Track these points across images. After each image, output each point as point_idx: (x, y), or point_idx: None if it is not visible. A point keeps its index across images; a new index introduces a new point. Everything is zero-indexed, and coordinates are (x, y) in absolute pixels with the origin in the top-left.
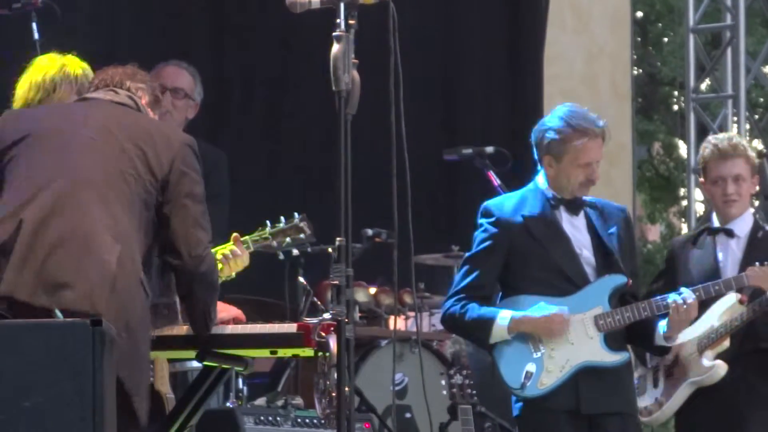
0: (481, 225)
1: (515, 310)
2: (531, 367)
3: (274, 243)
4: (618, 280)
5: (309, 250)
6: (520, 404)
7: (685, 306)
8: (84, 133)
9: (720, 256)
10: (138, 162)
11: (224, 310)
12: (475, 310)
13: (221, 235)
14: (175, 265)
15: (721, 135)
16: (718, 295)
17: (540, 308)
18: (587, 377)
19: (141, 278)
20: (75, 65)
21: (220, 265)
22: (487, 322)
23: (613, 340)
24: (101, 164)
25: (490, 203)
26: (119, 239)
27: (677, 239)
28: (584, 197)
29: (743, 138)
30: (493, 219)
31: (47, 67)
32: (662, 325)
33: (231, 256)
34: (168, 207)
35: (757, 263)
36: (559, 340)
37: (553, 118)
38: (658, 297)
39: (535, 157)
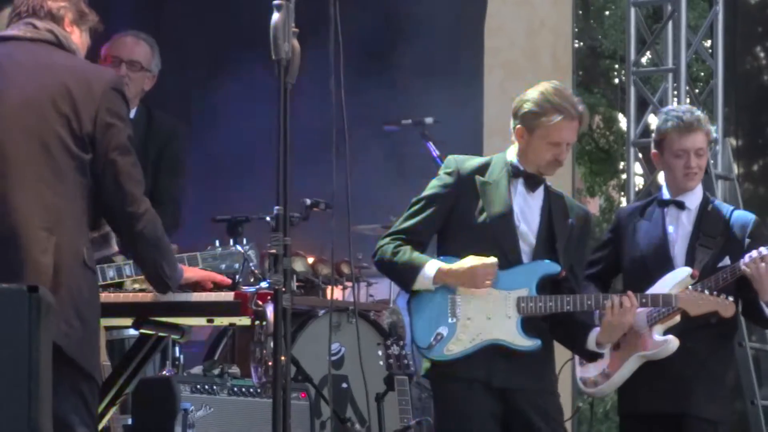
0: (439, 174)
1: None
2: (443, 330)
3: (223, 266)
4: (551, 267)
5: (255, 271)
6: (428, 365)
7: (621, 308)
8: (4, 103)
9: (670, 228)
10: (60, 128)
11: (189, 270)
12: (406, 253)
13: (172, 206)
14: (113, 227)
15: (680, 107)
16: (654, 306)
17: (468, 260)
18: (499, 354)
19: (84, 259)
20: None
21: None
22: (415, 269)
23: (531, 325)
24: (23, 141)
25: (455, 156)
26: (53, 226)
27: (624, 209)
28: (552, 187)
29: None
30: (450, 170)
31: None
32: (594, 331)
33: None
34: (97, 164)
35: (689, 287)
36: (477, 311)
37: (534, 91)
38: (585, 294)
39: (510, 126)
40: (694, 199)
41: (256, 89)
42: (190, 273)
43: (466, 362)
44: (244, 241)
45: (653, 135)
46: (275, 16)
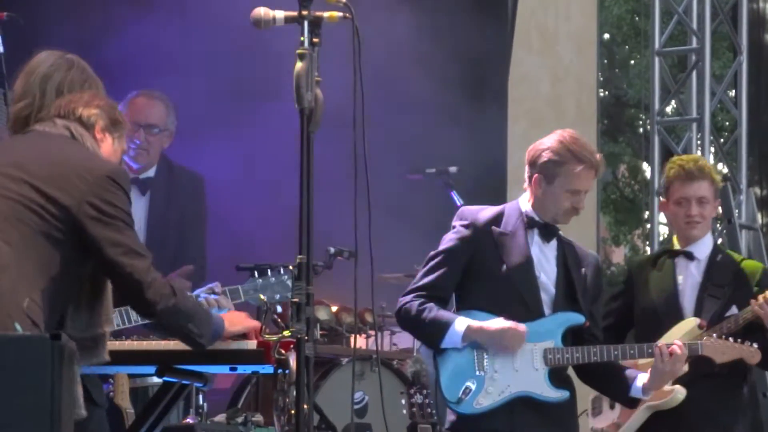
0: (454, 227)
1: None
2: (471, 384)
3: (264, 297)
4: (575, 318)
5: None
6: (453, 418)
7: (670, 357)
8: None
9: (679, 279)
10: (40, 197)
11: (238, 323)
12: (433, 310)
13: (200, 260)
14: (124, 299)
15: (686, 156)
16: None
17: (497, 321)
18: (525, 405)
19: (24, 310)
20: None
21: None
22: (443, 325)
23: (558, 376)
24: None
25: (468, 208)
26: None
27: (636, 260)
28: (562, 235)
29: (707, 160)
30: (466, 222)
31: None
32: (641, 377)
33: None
34: (92, 246)
35: (714, 335)
36: (505, 364)
37: (551, 139)
38: (612, 345)
39: (526, 174)
40: (703, 249)
41: (281, 135)
42: (237, 326)
43: (490, 414)
44: (281, 271)
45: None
46: (298, 65)
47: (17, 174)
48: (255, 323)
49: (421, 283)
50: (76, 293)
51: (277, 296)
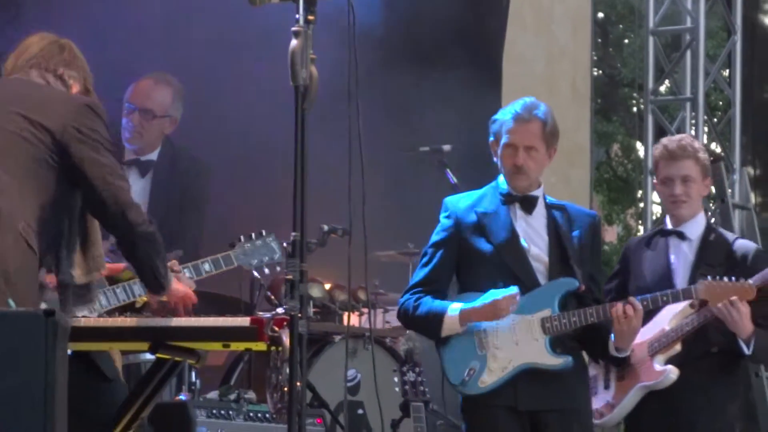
0: (440, 220)
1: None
2: (474, 365)
3: (254, 261)
4: (569, 284)
5: (278, 268)
6: (460, 400)
7: (625, 316)
8: None
9: (672, 258)
10: (28, 124)
11: (176, 282)
12: (426, 304)
13: (196, 244)
14: (113, 232)
15: (674, 136)
16: (665, 305)
17: (488, 295)
18: (528, 378)
19: (20, 231)
20: None
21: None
22: (438, 315)
23: (559, 343)
24: None
25: (449, 199)
26: None
27: (632, 240)
28: (550, 199)
29: (696, 140)
30: (448, 213)
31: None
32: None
33: None
34: (77, 167)
35: (708, 276)
36: (505, 340)
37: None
38: (608, 304)
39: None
40: (695, 228)
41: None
42: (178, 285)
43: (494, 391)
44: (263, 233)
45: None
46: (293, 43)
47: (5, 107)
48: (189, 291)
49: (416, 279)
50: (67, 231)
51: (265, 258)
